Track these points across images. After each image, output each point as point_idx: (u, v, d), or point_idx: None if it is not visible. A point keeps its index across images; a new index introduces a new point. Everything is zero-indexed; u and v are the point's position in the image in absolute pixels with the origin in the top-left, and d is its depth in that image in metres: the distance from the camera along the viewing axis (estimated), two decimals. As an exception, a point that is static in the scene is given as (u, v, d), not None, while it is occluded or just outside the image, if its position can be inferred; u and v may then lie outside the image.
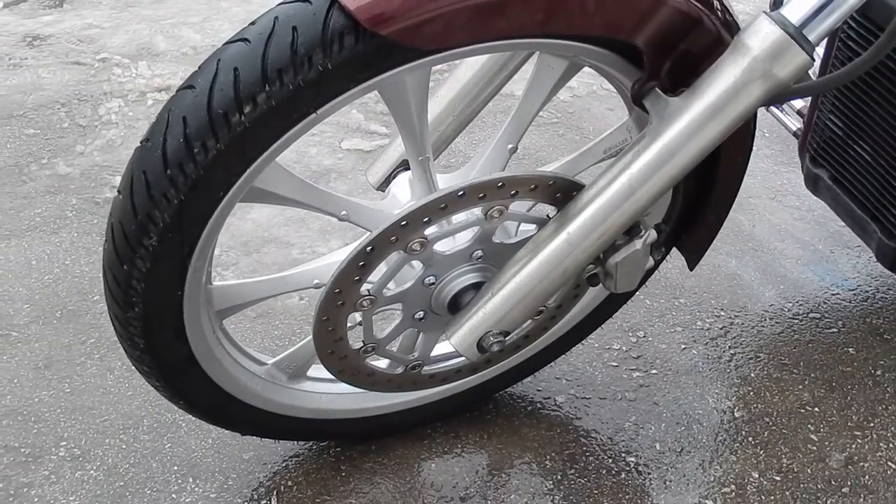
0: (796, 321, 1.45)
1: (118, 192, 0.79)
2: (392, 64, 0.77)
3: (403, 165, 1.08)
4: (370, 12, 0.72)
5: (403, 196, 1.00)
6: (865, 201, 1.29)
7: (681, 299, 1.48)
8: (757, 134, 1.84)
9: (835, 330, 1.43)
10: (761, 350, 1.39)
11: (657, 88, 0.86)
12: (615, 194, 0.85)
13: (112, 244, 0.81)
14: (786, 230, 1.66)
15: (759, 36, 0.78)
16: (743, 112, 0.81)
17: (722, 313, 1.46)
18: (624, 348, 1.38)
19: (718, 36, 0.85)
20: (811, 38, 0.79)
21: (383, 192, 1.09)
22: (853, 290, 1.52)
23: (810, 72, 0.83)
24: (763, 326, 1.44)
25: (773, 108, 1.51)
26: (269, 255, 1.58)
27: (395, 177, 1.08)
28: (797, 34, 0.78)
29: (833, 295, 1.51)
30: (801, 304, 1.49)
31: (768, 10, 0.81)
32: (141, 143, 0.77)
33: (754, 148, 1.38)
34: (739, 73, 0.79)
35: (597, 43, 0.85)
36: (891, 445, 1.22)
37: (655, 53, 0.85)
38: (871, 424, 1.25)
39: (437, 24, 0.75)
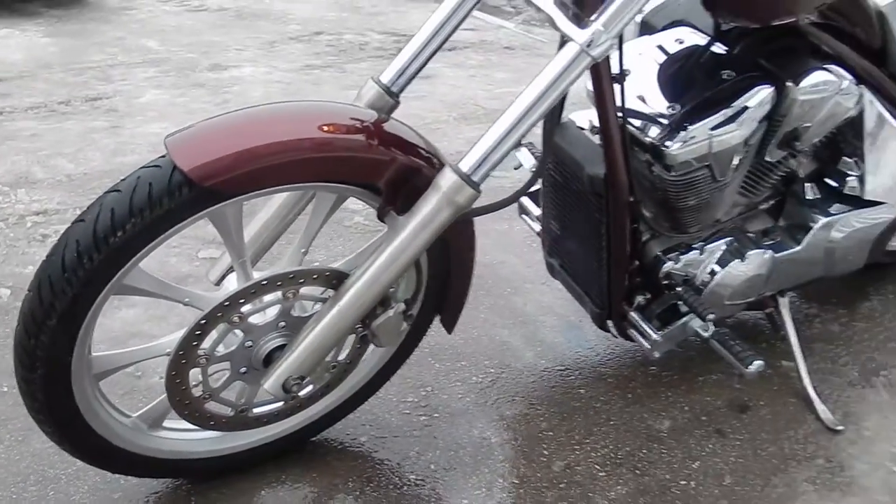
0: (546, 373, 1.94)
1: (28, 290, 1.19)
2: (215, 203, 1.21)
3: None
4: (198, 172, 1.16)
5: (232, 287, 1.42)
6: (580, 281, 1.81)
7: (462, 362, 1.95)
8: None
9: (573, 377, 1.93)
10: (517, 395, 1.86)
11: (392, 211, 1.34)
12: (366, 280, 1.30)
13: (23, 326, 1.19)
14: (549, 307, 2.17)
15: (445, 178, 1.27)
16: (441, 226, 1.29)
17: (492, 370, 1.93)
18: (415, 400, 1.82)
19: (432, 177, 1.34)
20: (476, 178, 1.28)
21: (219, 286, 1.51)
22: (591, 347, 2.03)
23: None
24: (521, 378, 1.92)
25: (523, 216, 2.04)
26: (134, 346, 1.94)
27: (228, 275, 1.51)
28: (466, 178, 1.27)
29: (576, 352, 2.02)
30: (551, 361, 1.98)
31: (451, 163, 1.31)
32: (47, 257, 1.18)
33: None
34: (434, 202, 1.28)
35: (354, 185, 1.33)
36: (599, 454, 1.70)
37: (390, 190, 1.33)
38: (587, 441, 1.73)
39: (244, 177, 1.20)
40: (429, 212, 1.29)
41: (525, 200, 2.00)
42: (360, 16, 5.30)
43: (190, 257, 2.28)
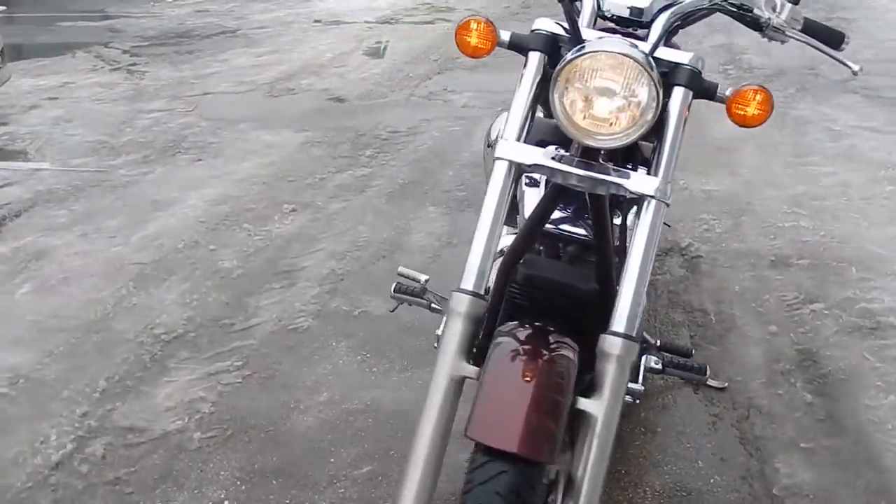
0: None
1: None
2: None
3: None
4: (534, 452, 1.14)
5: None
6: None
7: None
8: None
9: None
10: None
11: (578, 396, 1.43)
12: (592, 473, 1.34)
13: None
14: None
15: (611, 345, 1.39)
16: (625, 388, 1.43)
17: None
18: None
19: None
20: (634, 333, 1.44)
21: None
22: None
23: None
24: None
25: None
26: None
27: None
28: (627, 336, 1.40)
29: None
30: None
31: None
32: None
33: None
34: (614, 371, 1.39)
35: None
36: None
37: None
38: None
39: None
40: (613, 381, 1.42)
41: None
42: None
43: None
